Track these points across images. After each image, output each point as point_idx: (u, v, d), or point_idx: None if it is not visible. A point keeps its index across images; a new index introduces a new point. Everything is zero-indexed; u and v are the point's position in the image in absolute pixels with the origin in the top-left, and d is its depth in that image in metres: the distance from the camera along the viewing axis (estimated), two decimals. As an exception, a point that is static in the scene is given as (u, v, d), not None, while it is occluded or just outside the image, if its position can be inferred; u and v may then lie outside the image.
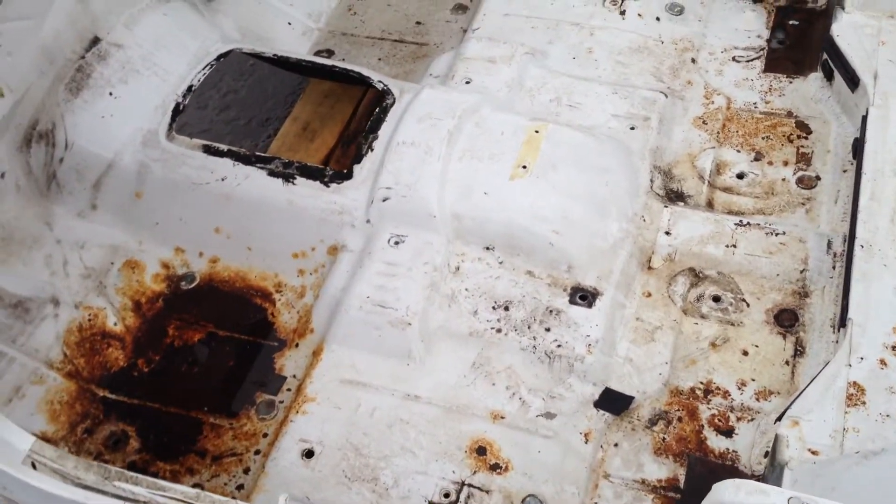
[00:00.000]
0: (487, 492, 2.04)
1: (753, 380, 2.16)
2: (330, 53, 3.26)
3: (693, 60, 2.92)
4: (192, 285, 2.61)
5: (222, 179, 2.58)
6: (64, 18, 2.57)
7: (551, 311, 2.32)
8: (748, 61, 2.93)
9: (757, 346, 2.22)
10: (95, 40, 2.68)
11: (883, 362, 1.90)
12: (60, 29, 2.57)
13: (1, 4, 2.23)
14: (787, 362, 2.19)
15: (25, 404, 2.34)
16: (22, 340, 2.41)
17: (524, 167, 2.51)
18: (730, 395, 2.15)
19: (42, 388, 2.37)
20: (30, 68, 2.48)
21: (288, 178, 2.56)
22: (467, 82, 2.86)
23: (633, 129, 2.70)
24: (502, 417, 2.17)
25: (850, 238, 2.16)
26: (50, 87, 2.57)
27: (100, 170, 2.62)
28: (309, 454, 2.15)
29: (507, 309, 2.34)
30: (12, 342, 2.39)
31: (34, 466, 1.84)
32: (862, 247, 2.12)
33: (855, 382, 1.87)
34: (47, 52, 2.55)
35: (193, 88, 2.76)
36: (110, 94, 2.66)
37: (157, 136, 2.64)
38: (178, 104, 2.71)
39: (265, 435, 2.27)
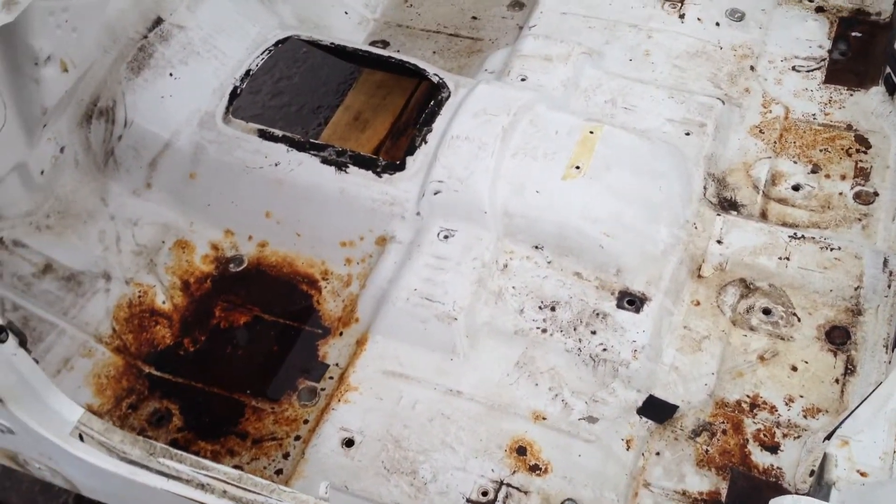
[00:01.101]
0: (526, 493, 2.04)
1: (802, 396, 2.13)
2: (385, 44, 3.27)
3: (752, 68, 2.88)
4: (241, 268, 2.63)
5: (276, 164, 2.60)
6: (129, -2, 2.61)
7: (598, 314, 2.30)
8: (808, 71, 2.88)
9: (806, 363, 2.19)
10: (158, 21, 2.71)
11: (937, 386, 1.86)
12: (125, 8, 2.60)
13: (69, -19, 2.26)
14: (836, 380, 2.15)
15: (73, 376, 2.37)
16: (73, 313, 2.45)
17: (577, 167, 2.49)
18: (776, 411, 2.12)
19: (90, 361, 2.41)
20: (94, 46, 2.51)
21: (341, 166, 2.57)
22: (523, 79, 2.85)
23: (688, 134, 2.67)
24: (544, 418, 2.16)
25: (909, 257, 2.12)
26: (112, 64, 2.60)
27: (156, 149, 2.65)
28: (349, 443, 2.16)
29: (553, 309, 2.33)
30: (63, 314, 2.43)
31: (81, 438, 1.86)
32: (920, 267, 2.08)
33: (908, 405, 1.83)
34: (111, 30, 2.58)
35: (251, 73, 2.78)
36: (170, 74, 2.69)
37: (214, 119, 2.66)
38: (235, 88, 2.73)
39: (306, 421, 2.29)
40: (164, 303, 2.54)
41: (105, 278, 2.53)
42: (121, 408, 2.34)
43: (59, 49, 2.32)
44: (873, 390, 1.86)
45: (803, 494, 1.92)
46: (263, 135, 2.64)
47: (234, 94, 2.72)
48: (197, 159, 2.64)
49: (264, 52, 2.84)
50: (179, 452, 1.84)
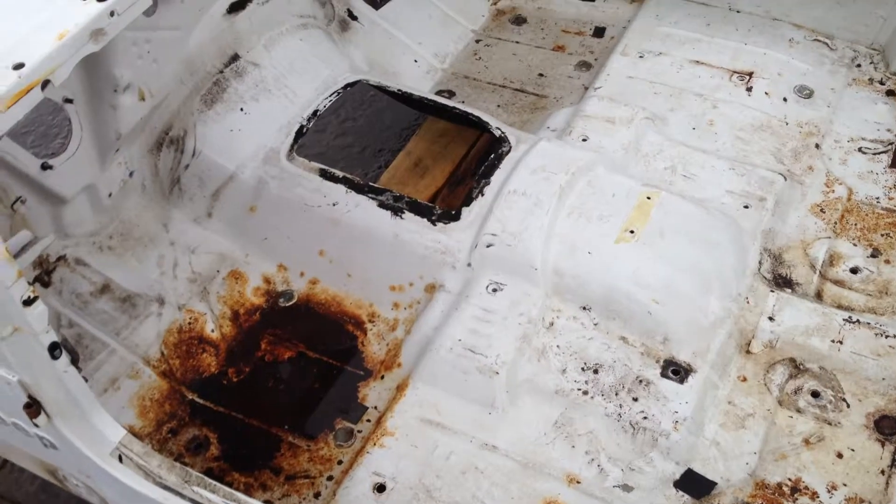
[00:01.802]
0: (554, 556, 2.01)
1: (845, 485, 2.08)
2: (451, 94, 3.32)
3: (817, 146, 2.86)
4: (290, 303, 2.67)
5: (333, 204, 2.65)
6: (210, 33, 2.70)
7: (641, 381, 2.28)
8: (875, 154, 2.85)
9: (853, 450, 2.13)
10: (235, 57, 2.80)
11: None
12: (205, 43, 2.70)
13: (155, 14, 2.35)
14: (882, 472, 2.09)
15: (119, 397, 2.43)
16: (125, 334, 2.51)
17: (631, 231, 2.49)
18: (818, 497, 2.06)
19: (137, 383, 2.46)
20: (171, 77, 2.60)
21: (397, 211, 2.61)
22: (584, 139, 2.87)
23: (746, 207, 2.65)
24: (578, 482, 2.14)
25: (967, 352, 2.07)
26: (187, 96, 2.69)
27: (221, 180, 2.73)
28: (381, 488, 2.16)
29: (596, 372, 2.31)
30: (116, 334, 2.49)
31: (120, 459, 1.89)
32: (979, 363, 2.02)
33: (956, 505, 1.77)
34: (190, 63, 2.68)
35: (319, 113, 2.85)
36: (241, 109, 2.77)
37: (279, 155, 2.73)
38: (301, 126, 2.80)
39: (340, 462, 2.29)
40: (212, 331, 2.58)
41: (159, 302, 2.59)
42: (161, 432, 2.38)
43: (139, 78, 2.41)
44: (921, 487, 1.81)
45: (840, 588, 1.86)
46: (325, 174, 2.69)
47: (299, 133, 2.78)
48: (258, 193, 2.71)
49: (333, 93, 2.91)
50: (214, 482, 1.86)
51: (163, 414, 2.40)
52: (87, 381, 1.90)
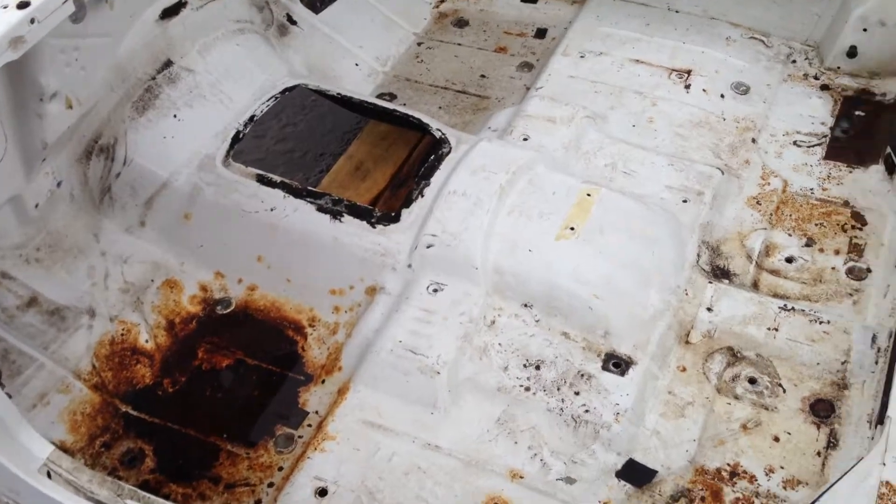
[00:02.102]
0: (497, 553, 1.99)
1: (782, 467, 2.09)
2: (392, 97, 3.31)
3: (753, 140, 2.90)
4: (228, 310, 2.63)
5: (271, 210, 2.62)
6: (141, 39, 2.66)
7: (583, 375, 2.27)
8: (809, 147, 2.89)
9: (789, 434, 2.15)
10: (168, 63, 2.77)
11: (921, 466, 1.81)
12: (136, 49, 2.66)
13: (83, 21, 2.30)
14: (818, 453, 2.11)
15: (48, 412, 2.36)
16: (54, 348, 2.45)
17: (572, 228, 2.49)
18: (756, 480, 2.07)
19: (67, 397, 2.39)
20: (101, 84, 2.55)
21: (336, 215, 2.58)
22: (525, 139, 2.87)
23: (685, 202, 2.67)
24: (521, 477, 2.12)
25: (898, 334, 2.09)
26: (118, 103, 2.65)
27: (154, 188, 2.68)
28: (322, 493, 2.13)
29: (538, 368, 2.30)
30: (44, 348, 2.43)
31: (49, 476, 1.85)
32: (909, 344, 2.05)
33: (888, 482, 1.78)
34: (120, 70, 2.63)
35: (255, 119, 2.82)
36: (174, 116, 2.73)
37: (214, 162, 2.69)
38: (238, 132, 2.77)
39: (280, 468, 2.25)
40: (147, 341, 2.53)
41: (90, 314, 2.53)
42: (94, 446, 2.32)
43: (66, 86, 2.36)
44: (854, 465, 1.82)
45: (779, 571, 1.87)
46: (261, 180, 2.66)
47: (235, 139, 2.75)
48: (193, 200, 2.67)
49: (270, 98, 2.88)
50: (147, 495, 1.82)
51: (95, 428, 2.35)
52: (11, 397, 1.85)
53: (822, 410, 2.17)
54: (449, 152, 2.74)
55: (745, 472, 2.09)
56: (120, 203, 2.68)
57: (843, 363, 2.24)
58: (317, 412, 2.36)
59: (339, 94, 3.01)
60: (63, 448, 2.21)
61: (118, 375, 2.45)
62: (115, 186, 2.67)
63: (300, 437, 2.31)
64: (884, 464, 1.79)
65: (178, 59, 2.80)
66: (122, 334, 2.52)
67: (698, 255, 2.55)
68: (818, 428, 2.15)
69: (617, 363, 2.30)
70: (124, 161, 2.65)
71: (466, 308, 2.40)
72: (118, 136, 2.65)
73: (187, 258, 2.69)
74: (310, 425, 2.33)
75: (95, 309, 2.54)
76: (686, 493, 2.08)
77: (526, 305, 2.42)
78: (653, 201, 2.67)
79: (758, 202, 2.72)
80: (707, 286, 2.46)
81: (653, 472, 2.10)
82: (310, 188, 2.67)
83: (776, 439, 2.14)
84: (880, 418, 1.92)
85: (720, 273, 2.53)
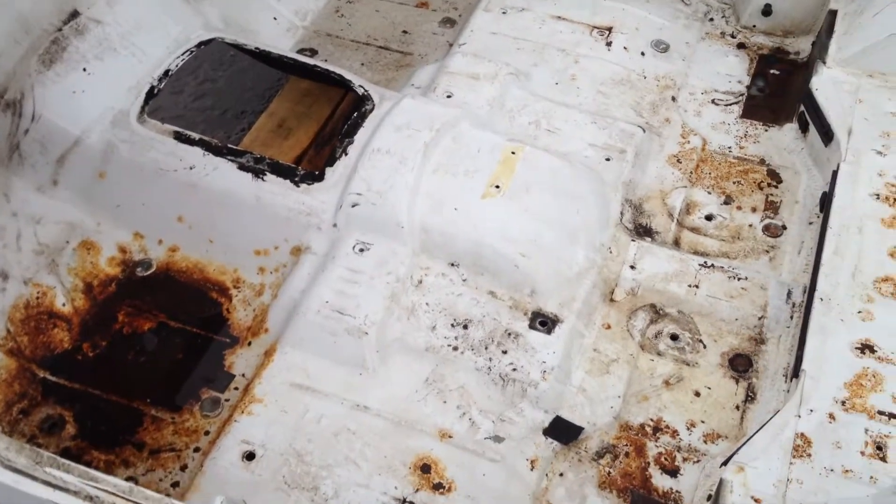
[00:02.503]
0: (428, 511, 2.01)
1: (703, 421, 2.16)
2: (313, 53, 3.23)
3: (673, 98, 2.94)
4: (148, 272, 2.55)
5: (190, 168, 2.54)
6: (45, -12, 2.52)
7: (510, 334, 2.30)
8: (727, 105, 2.95)
9: (709, 388, 2.22)
10: (75, 14, 2.63)
11: (832, 416, 1.91)
12: (40, -1, 2.52)
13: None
14: (737, 407, 2.19)
15: (-38, 378, 2.27)
16: (-35, 312, 2.34)
17: (497, 187, 2.50)
18: (678, 435, 2.14)
19: (-19, 363, 2.30)
20: (4, 36, 2.42)
21: (258, 173, 2.52)
22: (448, 96, 2.85)
23: (608, 160, 2.70)
24: (450, 437, 2.14)
25: (811, 290, 2.18)
26: (23, 56, 2.50)
27: (65, 145, 2.56)
28: (250, 456, 2.11)
29: (465, 327, 2.31)
30: (-45, 312, 2.32)
31: (-38, 444, 1.77)
32: (821, 300, 2.13)
33: (802, 434, 1.87)
34: (23, 21, 2.49)
35: (170, 73, 2.72)
36: (84, 69, 2.60)
37: (128, 118, 2.59)
38: (152, 87, 2.66)
39: (207, 433, 2.22)
40: (64, 305, 2.44)
41: (2, 277, 2.42)
42: (11, 413, 2.24)
43: (-34, 37, 2.23)
44: (770, 418, 1.91)
45: (699, 520, 1.95)
46: (179, 137, 2.57)
47: (150, 94, 2.65)
48: (108, 158, 2.56)
49: (185, 52, 2.77)
50: (68, 462, 1.76)
51: (12, 394, 2.26)
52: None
53: (740, 365, 2.25)
54: (372, 109, 2.70)
55: (667, 426, 2.16)
56: (30, 161, 2.55)
57: (760, 318, 2.33)
58: (243, 375, 2.33)
59: (258, 48, 2.92)
60: (-24, 417, 2.13)
61: (35, 340, 2.36)
62: (24, 144, 2.54)
63: (227, 400, 2.28)
64: (798, 416, 1.88)
65: (84, 10, 2.66)
66: (38, 297, 2.43)
67: (622, 213, 2.59)
68: (737, 382, 2.24)
69: (543, 321, 2.33)
70: (32, 117, 2.52)
71: (393, 267, 2.39)
72: (25, 91, 2.51)
73: (104, 218, 2.59)
74: (237, 388, 2.30)
75: (8, 272, 2.43)
76: (611, 448, 2.13)
77: (453, 265, 2.43)
78: (577, 159, 2.69)
79: (678, 160, 2.78)
80: (630, 244, 2.51)
81: (579, 429, 2.15)
82: (230, 146, 2.59)
83: (697, 394, 2.21)
84: (795, 372, 2.01)
85: (643, 231, 2.58)
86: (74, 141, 2.56)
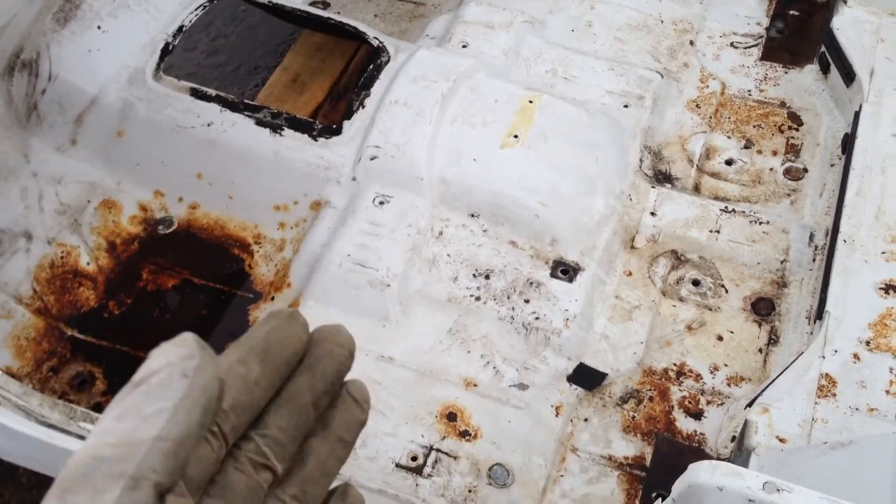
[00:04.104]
0: (455, 458, 2.04)
1: (726, 365, 2.17)
2: (325, 5, 3.20)
3: (691, 43, 2.90)
4: (170, 230, 2.56)
5: (208, 125, 2.53)
6: (55, -55, 2.50)
7: (532, 283, 2.31)
8: (746, 48, 2.91)
9: (732, 333, 2.23)
10: None
11: (856, 356, 1.91)
12: (51, -44, 2.50)
13: (-10, -74, 2.15)
14: (760, 350, 2.20)
15: (-9, 338, 2.30)
16: (-9, 273, 2.37)
17: (516, 136, 2.48)
18: (701, 379, 2.16)
19: (9, 322, 2.32)
20: (16, -5, 2.41)
21: (276, 128, 2.52)
22: (464, 46, 2.82)
23: (626, 106, 2.68)
24: (475, 385, 2.17)
25: (834, 232, 2.17)
26: (37, 15, 2.49)
27: (82, 105, 2.56)
28: (278, 408, 2.14)
29: (487, 277, 2.32)
30: (-19, 274, 2.35)
31: (-2, 401, 1.80)
32: (844, 241, 2.12)
33: (827, 374, 1.88)
34: (36, -22, 2.48)
35: (184, 29, 2.70)
36: (98, 27, 2.59)
37: (144, 75, 2.58)
38: (167, 44, 2.65)
39: (235, 386, 2.25)
40: (88, 264, 2.46)
41: (26, 237, 2.44)
42: (41, 371, 2.27)
43: (-20, -3, 2.22)
44: (794, 360, 1.91)
45: (724, 459, 1.96)
46: (196, 94, 2.57)
47: (165, 51, 2.63)
48: (125, 116, 2.56)
49: (199, 7, 2.75)
50: (100, 416, 1.79)
51: (41, 352, 2.29)
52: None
53: (762, 309, 2.26)
54: (388, 61, 2.68)
55: (690, 371, 2.18)
56: (48, 121, 2.56)
57: (782, 262, 2.32)
58: (268, 329, 2.34)
59: (270, 1, 2.89)
60: (10, 373, 2.16)
61: (61, 299, 2.39)
62: (42, 104, 2.54)
63: (252, 354, 2.30)
64: (823, 357, 1.89)
65: (97, -33, 2.64)
66: (62, 257, 2.45)
67: (641, 160, 2.57)
68: (759, 326, 2.24)
69: (565, 270, 2.33)
70: (49, 76, 2.52)
71: (413, 220, 2.39)
72: (40, 51, 2.51)
73: (124, 177, 2.60)
74: (262, 342, 2.32)
75: (32, 232, 2.45)
76: (635, 393, 2.15)
77: (473, 215, 2.43)
78: (594, 107, 2.67)
79: (697, 105, 2.75)
80: (650, 191, 2.50)
81: (603, 375, 2.17)
82: (247, 101, 2.59)
83: (720, 338, 2.22)
84: (819, 314, 2.01)
85: (662, 177, 2.56)
86: (91, 100, 2.56)
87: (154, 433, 0.48)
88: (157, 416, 0.49)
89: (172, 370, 0.52)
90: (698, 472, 1.14)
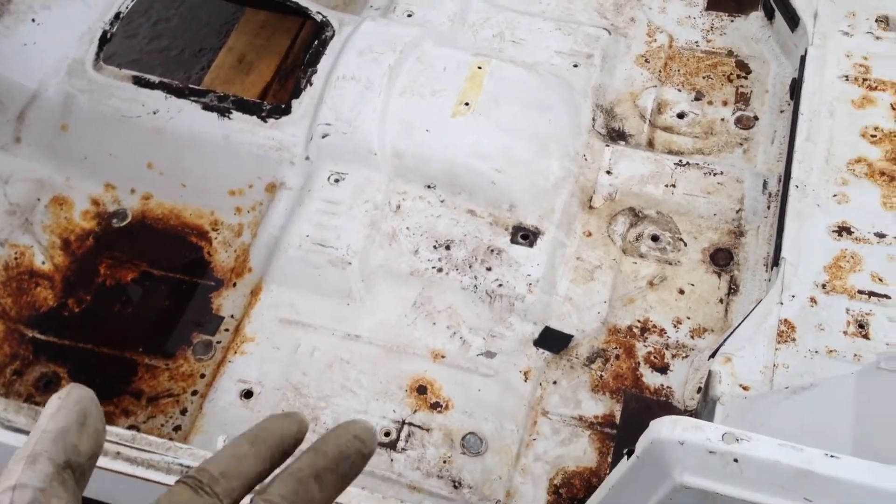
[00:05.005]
0: (428, 430, 2.05)
1: (689, 318, 2.20)
2: (266, -18, 3.14)
3: (636, -3, 2.90)
4: (124, 223, 2.53)
5: (154, 113, 2.49)
6: (-22, -63, 2.42)
7: (493, 251, 2.31)
8: (691, -1, 2.91)
9: (693, 285, 2.26)
10: None
11: (813, 300, 1.94)
12: (-25, -51, 2.43)
13: None
14: (721, 300, 2.23)
15: (-50, 345, 2.26)
16: (-56, 280, 2.32)
17: (466, 104, 2.47)
18: (665, 333, 2.18)
19: (-33, 328, 2.29)
20: (-57, -8, 2.34)
21: (223, 112, 2.48)
22: (409, 15, 2.79)
23: (576, 66, 2.68)
24: (443, 356, 2.17)
25: (786, 178, 2.19)
26: (-34, 12, 2.43)
27: (23, 101, 2.50)
28: (248, 394, 2.13)
29: (448, 248, 2.32)
30: (-66, 282, 2.30)
31: (-39, 409, 1.78)
32: (797, 187, 2.15)
33: (786, 320, 1.91)
34: (-38, -25, 2.41)
35: (121, 16, 2.64)
36: (33, 20, 2.53)
37: (84, 66, 2.52)
38: (105, 32, 2.59)
39: (202, 376, 2.24)
40: (43, 263, 2.42)
41: (-24, 241, 2.40)
42: (5, 375, 2.24)
43: None
44: (753, 308, 1.94)
45: (691, 411, 2.00)
46: (139, 81, 2.52)
47: (104, 39, 2.57)
48: (68, 110, 2.51)
49: (135, -7, 2.69)
50: (67, 417, 1.77)
51: (3, 356, 2.26)
52: None
53: (721, 259, 2.28)
54: (333, 36, 2.64)
55: (654, 326, 2.20)
56: (-11, 121, 2.51)
57: (737, 212, 2.35)
58: (232, 316, 2.33)
59: (209, -19, 2.84)
60: (-29, 383, 2.14)
61: (19, 301, 2.35)
62: (-19, 104, 2.48)
63: (218, 342, 2.29)
64: (781, 303, 1.92)
65: (25, -42, 2.56)
66: (16, 258, 2.40)
67: (593, 119, 2.58)
68: (719, 276, 2.27)
69: (525, 235, 2.34)
70: (-14, 75, 2.46)
71: (370, 195, 2.38)
72: (-26, 49, 2.45)
73: (72, 172, 2.55)
74: (227, 330, 2.31)
75: (-19, 236, 2.40)
76: (601, 353, 2.17)
77: (429, 187, 2.42)
78: (544, 68, 2.66)
79: (646, 60, 2.75)
80: (604, 149, 2.51)
81: (569, 337, 2.18)
82: (192, 86, 2.54)
83: (681, 292, 2.25)
84: (775, 260, 2.04)
85: (616, 135, 2.57)
86: (32, 95, 2.50)
87: (41, 429, 0.67)
88: (43, 420, 0.69)
89: (53, 399, 0.71)
90: (660, 428, 1.16)
